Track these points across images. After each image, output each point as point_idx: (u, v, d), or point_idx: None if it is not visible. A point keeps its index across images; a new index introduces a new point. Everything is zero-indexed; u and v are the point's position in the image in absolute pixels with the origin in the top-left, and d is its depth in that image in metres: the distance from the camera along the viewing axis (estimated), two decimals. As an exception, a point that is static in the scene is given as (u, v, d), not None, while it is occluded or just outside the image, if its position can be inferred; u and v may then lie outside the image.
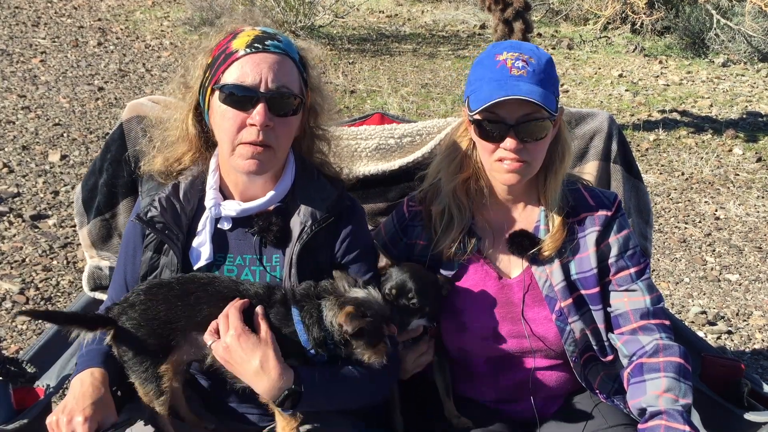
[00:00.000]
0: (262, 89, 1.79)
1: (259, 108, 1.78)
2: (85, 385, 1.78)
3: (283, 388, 1.71)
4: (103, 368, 1.84)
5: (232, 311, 1.75)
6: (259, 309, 1.78)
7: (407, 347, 2.07)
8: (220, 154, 1.93)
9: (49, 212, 4.89)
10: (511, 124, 1.88)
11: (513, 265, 2.10)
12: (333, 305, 1.79)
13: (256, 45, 1.81)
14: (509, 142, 1.89)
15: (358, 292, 1.82)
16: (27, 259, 4.32)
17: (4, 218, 4.73)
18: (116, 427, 1.79)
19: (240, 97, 1.79)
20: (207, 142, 1.98)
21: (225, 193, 1.96)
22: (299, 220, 1.91)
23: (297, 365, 1.77)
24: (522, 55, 1.91)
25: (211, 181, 1.94)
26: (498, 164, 1.95)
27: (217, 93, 1.83)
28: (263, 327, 1.75)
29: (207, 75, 1.87)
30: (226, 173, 1.95)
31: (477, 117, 1.93)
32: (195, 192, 1.96)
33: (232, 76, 1.80)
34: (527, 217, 2.10)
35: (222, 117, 1.82)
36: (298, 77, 1.88)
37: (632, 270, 2.03)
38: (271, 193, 1.92)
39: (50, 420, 1.73)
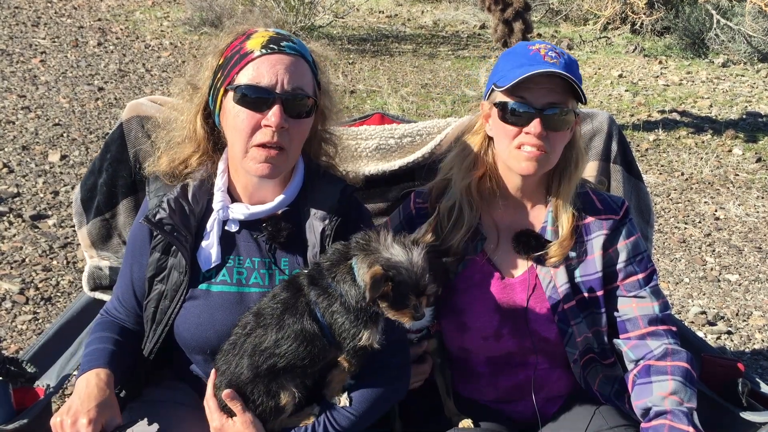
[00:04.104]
0: (278, 90, 1.78)
1: (275, 109, 1.77)
2: (90, 386, 1.78)
3: None
4: (109, 369, 1.84)
5: (209, 402, 1.83)
6: (227, 396, 1.78)
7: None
8: (231, 156, 1.92)
9: (49, 212, 4.89)
10: (538, 108, 1.90)
11: (516, 265, 2.10)
12: (363, 262, 1.72)
13: (271, 46, 1.80)
14: (534, 127, 1.89)
15: (395, 251, 1.72)
16: (27, 259, 4.31)
17: (4, 218, 4.73)
18: (120, 429, 1.78)
19: (255, 98, 1.78)
20: (215, 144, 1.97)
21: (233, 195, 1.95)
22: (317, 223, 1.90)
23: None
24: (555, 49, 1.95)
25: (219, 183, 1.93)
26: (517, 151, 1.95)
27: (230, 94, 1.81)
28: (239, 416, 1.77)
29: (219, 76, 1.85)
30: (234, 175, 1.94)
31: (503, 99, 1.94)
32: (204, 193, 1.95)
33: (247, 76, 1.79)
34: (534, 217, 2.10)
35: (236, 118, 1.80)
36: (312, 79, 1.87)
37: (640, 276, 2.04)
38: (281, 197, 1.91)
39: (54, 421, 1.73)
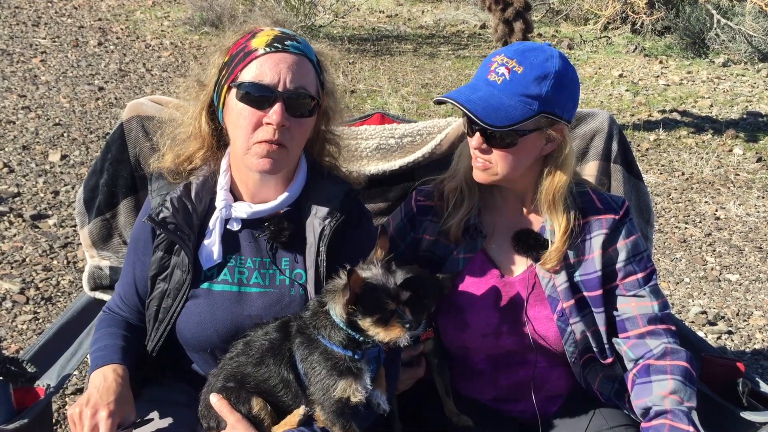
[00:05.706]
0: (280, 89, 1.78)
1: (276, 107, 1.78)
2: (108, 381, 1.79)
3: None
4: (124, 365, 1.86)
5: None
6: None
7: (405, 366, 2.07)
8: (233, 153, 1.93)
9: (49, 212, 4.90)
10: (479, 125, 1.89)
11: (516, 264, 2.10)
12: (335, 302, 1.73)
13: (275, 45, 1.81)
14: (475, 140, 1.93)
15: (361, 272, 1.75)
16: (27, 259, 4.32)
17: (4, 218, 4.73)
18: (136, 426, 1.80)
19: (257, 96, 1.79)
20: (219, 141, 1.97)
21: (236, 194, 1.96)
22: (317, 222, 1.90)
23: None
24: (512, 62, 1.88)
25: (222, 182, 1.94)
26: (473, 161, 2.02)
27: (234, 91, 1.82)
28: (228, 417, 1.78)
29: (223, 73, 1.86)
30: (237, 174, 1.95)
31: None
32: (207, 192, 1.96)
33: (250, 74, 1.80)
34: (534, 216, 2.10)
35: (238, 115, 1.81)
36: (315, 79, 1.88)
37: (640, 275, 2.04)
38: (284, 195, 1.92)
39: (73, 412, 1.73)
